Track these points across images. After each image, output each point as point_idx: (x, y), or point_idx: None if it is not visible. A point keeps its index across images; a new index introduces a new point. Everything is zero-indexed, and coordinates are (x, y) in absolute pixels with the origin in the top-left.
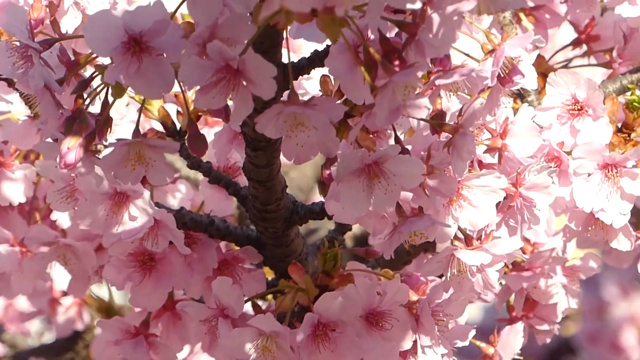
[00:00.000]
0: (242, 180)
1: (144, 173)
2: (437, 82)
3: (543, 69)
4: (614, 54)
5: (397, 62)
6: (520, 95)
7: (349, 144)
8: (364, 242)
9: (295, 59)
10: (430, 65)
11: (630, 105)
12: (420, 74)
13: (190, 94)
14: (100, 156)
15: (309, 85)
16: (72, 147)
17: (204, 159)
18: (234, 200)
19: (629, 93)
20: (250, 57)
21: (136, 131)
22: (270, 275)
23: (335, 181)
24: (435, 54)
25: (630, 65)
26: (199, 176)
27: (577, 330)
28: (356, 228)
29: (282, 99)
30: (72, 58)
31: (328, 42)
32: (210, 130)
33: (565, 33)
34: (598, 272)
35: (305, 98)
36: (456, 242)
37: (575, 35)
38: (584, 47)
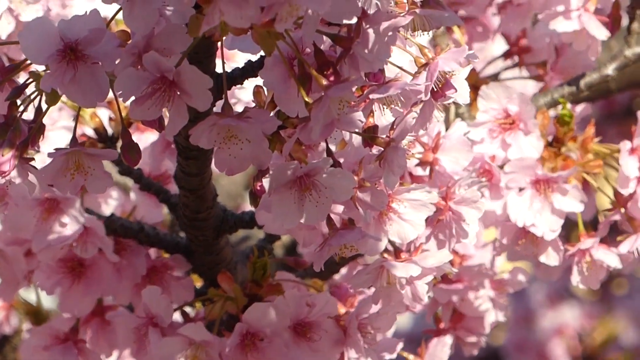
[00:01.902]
0: (173, 188)
1: (83, 182)
2: (371, 96)
3: (474, 81)
4: (547, 67)
5: (331, 76)
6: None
7: (282, 156)
8: (294, 251)
9: (228, 68)
10: (364, 79)
11: (561, 119)
12: (354, 88)
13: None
14: (36, 164)
15: (242, 94)
16: (6, 156)
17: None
18: (165, 208)
19: (559, 107)
20: (186, 68)
21: (74, 140)
22: (199, 283)
23: (267, 193)
24: (369, 68)
25: (562, 79)
26: (131, 182)
27: (505, 340)
28: (286, 237)
29: (215, 110)
30: (6, 64)
31: (262, 52)
32: (141, 135)
33: (497, 44)
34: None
35: (239, 107)
36: (386, 255)
37: (507, 47)
38: (516, 59)
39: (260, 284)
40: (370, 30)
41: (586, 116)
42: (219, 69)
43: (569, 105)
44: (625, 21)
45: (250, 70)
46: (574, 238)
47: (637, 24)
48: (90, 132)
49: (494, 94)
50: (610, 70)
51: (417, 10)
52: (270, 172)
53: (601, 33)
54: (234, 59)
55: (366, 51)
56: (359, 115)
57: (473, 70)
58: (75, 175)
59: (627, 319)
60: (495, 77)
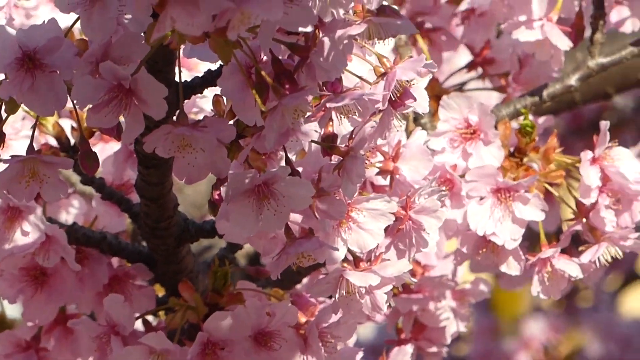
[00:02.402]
0: (135, 197)
1: (38, 189)
2: (328, 104)
3: (436, 91)
4: (510, 78)
5: (288, 85)
6: (414, 118)
7: (240, 164)
8: (257, 260)
9: (190, 77)
10: (322, 88)
11: (523, 129)
12: (310, 97)
13: (84, 111)
14: None
15: (204, 103)
16: None
17: (98, 174)
18: (127, 217)
19: (522, 117)
20: (142, 77)
21: (30, 147)
22: (161, 292)
23: (225, 201)
24: (326, 77)
25: (525, 89)
26: (94, 191)
27: (470, 351)
28: (249, 246)
29: (173, 118)
30: None
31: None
32: (105, 145)
33: (462, 55)
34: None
35: (200, 116)
36: (345, 264)
37: (471, 58)
38: (480, 70)
39: (221, 293)
40: (326, 39)
41: (549, 127)
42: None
43: (531, 116)
44: (588, 31)
45: (210, 79)
46: (537, 248)
47: (599, 34)
48: (52, 141)
49: (455, 104)
50: (573, 80)
51: (372, 19)
52: (229, 180)
53: (564, 43)
54: (196, 68)
55: (322, 60)
56: (315, 126)
57: (436, 81)
58: (31, 182)
59: (592, 332)
60: (459, 88)
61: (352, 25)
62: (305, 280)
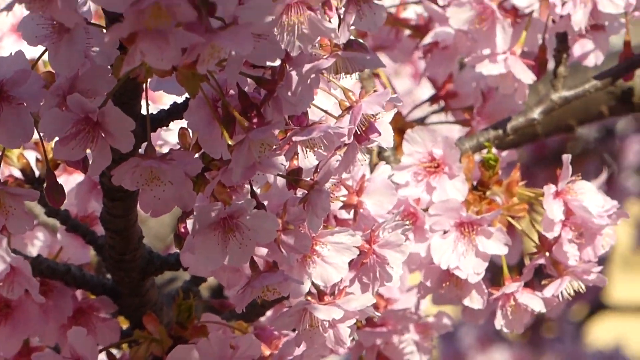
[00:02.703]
0: (100, 229)
1: (4, 221)
2: (294, 138)
3: (400, 125)
4: (473, 111)
5: (255, 118)
6: (378, 151)
7: (206, 197)
8: (221, 293)
9: (155, 110)
10: (288, 122)
11: (486, 163)
12: (276, 131)
13: (50, 143)
14: None
15: (169, 136)
16: None
17: (63, 206)
18: (92, 249)
19: (485, 151)
20: (110, 110)
21: None
22: (125, 324)
23: (190, 234)
24: (293, 110)
25: (488, 123)
26: (58, 223)
27: None
28: (212, 279)
29: (140, 151)
30: None
31: (187, 95)
32: (69, 177)
33: (424, 88)
34: (454, 327)
35: (165, 149)
36: (309, 298)
37: (433, 91)
38: (443, 103)
39: (185, 326)
40: (294, 73)
41: (512, 160)
42: (145, 111)
43: (494, 149)
44: (552, 64)
45: (176, 112)
46: (500, 281)
47: (563, 67)
48: (17, 173)
49: (419, 138)
50: (536, 114)
51: (340, 53)
52: (194, 213)
53: (527, 77)
54: (161, 100)
55: (289, 94)
56: (281, 160)
57: (399, 114)
58: None
59: None
60: (422, 122)
61: (320, 60)
62: (269, 313)
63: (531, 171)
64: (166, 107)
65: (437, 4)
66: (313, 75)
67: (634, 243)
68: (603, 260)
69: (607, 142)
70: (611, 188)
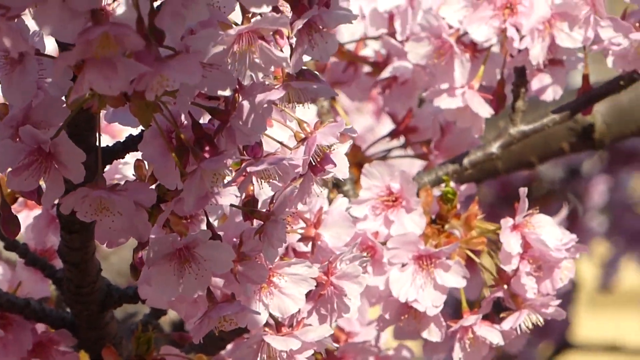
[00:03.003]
0: (59, 263)
1: None
2: (249, 169)
3: (359, 159)
4: (431, 146)
5: (208, 149)
6: (337, 185)
7: (160, 228)
8: (181, 327)
9: (111, 142)
10: (243, 152)
11: (445, 196)
12: (229, 161)
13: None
14: None
15: (126, 170)
16: None
17: (22, 240)
18: (51, 283)
19: (443, 185)
20: (61, 141)
21: None
22: (85, 358)
23: (146, 265)
24: (246, 141)
25: (447, 157)
26: (17, 257)
27: None
28: (173, 313)
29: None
30: None
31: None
32: (30, 212)
33: (387, 125)
34: None
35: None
36: (267, 329)
37: (394, 126)
38: (403, 138)
39: (144, 359)
40: (246, 103)
41: (471, 194)
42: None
43: (452, 183)
44: (511, 99)
45: (131, 144)
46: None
47: (521, 102)
48: None
49: (376, 172)
50: (494, 148)
51: (291, 83)
52: (150, 244)
53: (484, 111)
54: (120, 135)
55: (242, 124)
56: (234, 190)
57: (358, 149)
58: None
59: None
60: (382, 156)
61: (272, 90)
62: (229, 346)
63: (496, 210)
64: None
65: (395, 38)
66: (265, 105)
67: (600, 283)
68: (568, 299)
69: (572, 182)
70: (576, 228)
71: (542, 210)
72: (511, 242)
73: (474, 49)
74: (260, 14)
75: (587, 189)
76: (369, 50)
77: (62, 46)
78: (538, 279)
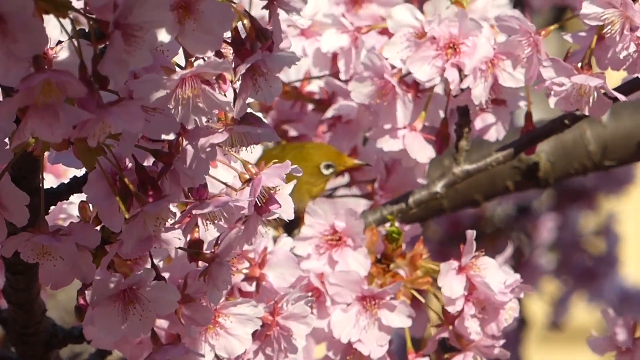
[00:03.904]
0: (4, 303)
1: None
2: (194, 211)
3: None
4: (376, 185)
5: (151, 192)
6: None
7: (103, 270)
8: None
9: (57, 183)
10: (188, 195)
11: (390, 236)
12: (172, 205)
13: None
14: None
15: (71, 209)
16: None
17: None
18: None
19: (388, 224)
20: (4, 184)
21: None
22: None
23: (90, 306)
24: (190, 183)
25: (392, 196)
26: None
27: None
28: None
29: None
30: None
31: None
32: None
33: None
34: None
35: (67, 223)
36: None
37: None
38: (347, 177)
39: None
40: (189, 146)
41: (417, 234)
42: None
43: (397, 223)
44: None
45: (75, 185)
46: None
47: (465, 141)
48: None
49: (320, 210)
50: (438, 187)
51: (234, 127)
52: (93, 285)
53: (424, 155)
54: (65, 174)
55: (186, 166)
56: (177, 233)
57: None
58: None
59: None
60: (329, 195)
61: (215, 133)
62: None
63: (445, 248)
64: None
65: (339, 78)
66: (208, 149)
67: (550, 320)
68: (519, 337)
69: (522, 219)
70: (525, 266)
71: (491, 248)
72: (452, 286)
73: (417, 89)
74: (203, 59)
75: (536, 226)
76: (315, 86)
77: (6, 90)
78: (483, 320)
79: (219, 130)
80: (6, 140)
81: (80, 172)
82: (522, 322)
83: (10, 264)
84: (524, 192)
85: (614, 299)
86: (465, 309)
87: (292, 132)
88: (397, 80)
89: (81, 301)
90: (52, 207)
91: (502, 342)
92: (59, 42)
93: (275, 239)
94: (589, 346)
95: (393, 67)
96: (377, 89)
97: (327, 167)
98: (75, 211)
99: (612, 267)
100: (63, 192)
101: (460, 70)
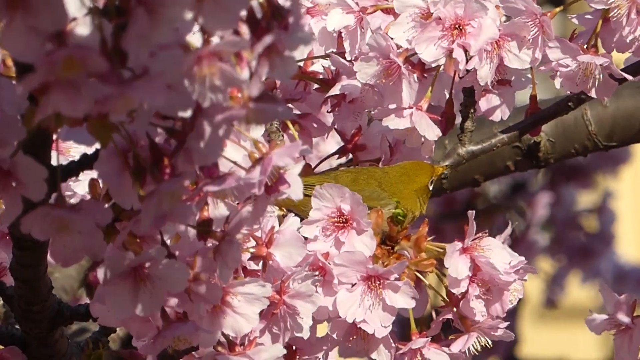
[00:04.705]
0: (10, 280)
1: None
2: (205, 189)
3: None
4: (380, 165)
5: (165, 169)
6: None
7: (116, 248)
8: (129, 343)
9: (65, 160)
10: (199, 173)
11: (395, 218)
12: (187, 182)
13: None
14: None
15: (76, 186)
16: None
17: None
18: (0, 299)
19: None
20: (21, 159)
21: None
22: None
23: (101, 284)
24: (203, 162)
25: None
26: None
27: None
28: (122, 330)
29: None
30: None
31: (98, 145)
32: None
33: (331, 141)
34: None
35: (74, 200)
36: (220, 348)
37: (342, 144)
38: (351, 156)
39: None
40: (205, 124)
41: (421, 215)
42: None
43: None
44: (460, 119)
45: (86, 162)
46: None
47: (470, 122)
48: None
49: (327, 193)
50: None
51: (251, 104)
52: (105, 263)
53: (432, 133)
54: (68, 152)
55: (200, 145)
56: (192, 209)
57: (309, 167)
58: None
59: None
60: None
61: (231, 110)
62: None
63: (440, 225)
64: (72, 158)
65: (344, 58)
66: (224, 126)
67: (545, 298)
68: (514, 314)
69: (517, 197)
70: (521, 243)
71: (487, 225)
72: (458, 267)
73: (423, 69)
74: (220, 37)
75: (532, 204)
76: (319, 66)
77: (20, 65)
78: (487, 301)
79: (235, 108)
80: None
81: (90, 149)
82: (518, 300)
83: (18, 239)
84: (523, 172)
85: (609, 276)
86: (469, 290)
87: (296, 111)
88: (403, 60)
89: (92, 278)
90: (61, 184)
91: (506, 323)
92: (74, 19)
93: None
94: (587, 325)
95: (399, 47)
96: (382, 69)
97: (431, 182)
98: (80, 189)
99: (608, 245)
100: (74, 169)
101: (465, 51)
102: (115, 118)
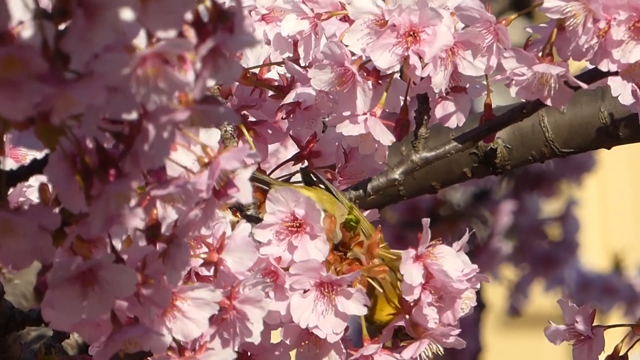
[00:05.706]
0: None
1: None
2: (152, 193)
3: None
4: (335, 171)
5: (113, 172)
6: (240, 209)
7: (64, 252)
8: (86, 350)
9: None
10: (146, 177)
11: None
12: (134, 184)
13: None
14: None
15: (30, 193)
16: None
17: None
18: None
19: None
20: None
21: None
22: None
23: (49, 288)
24: (150, 164)
25: (350, 183)
26: None
27: None
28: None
29: None
30: None
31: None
32: None
33: (292, 149)
34: None
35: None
36: (170, 353)
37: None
38: (306, 163)
39: None
40: (150, 126)
41: (374, 220)
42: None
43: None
44: (413, 125)
45: (36, 167)
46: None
47: (424, 129)
48: None
49: (281, 197)
50: (397, 174)
51: (195, 106)
52: (53, 267)
53: (386, 138)
54: (25, 159)
55: (146, 147)
56: (139, 213)
57: (263, 173)
58: None
59: None
60: (287, 181)
61: (175, 112)
62: None
63: (402, 233)
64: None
65: (299, 65)
66: (169, 128)
67: (509, 306)
68: (478, 323)
69: (481, 205)
70: (484, 251)
71: (449, 232)
72: (413, 274)
73: (377, 76)
74: (164, 39)
75: (496, 212)
76: (274, 73)
77: None
78: (439, 309)
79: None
80: None
81: (40, 155)
82: (481, 307)
83: None
84: (480, 178)
85: (573, 284)
86: (422, 298)
87: (251, 118)
88: (357, 67)
89: (41, 283)
90: (11, 190)
91: (458, 330)
92: (21, 22)
93: (233, 225)
94: (546, 335)
95: (353, 54)
96: (337, 76)
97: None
98: (34, 196)
99: (572, 253)
100: (22, 174)
101: (420, 58)
102: (57, 119)
